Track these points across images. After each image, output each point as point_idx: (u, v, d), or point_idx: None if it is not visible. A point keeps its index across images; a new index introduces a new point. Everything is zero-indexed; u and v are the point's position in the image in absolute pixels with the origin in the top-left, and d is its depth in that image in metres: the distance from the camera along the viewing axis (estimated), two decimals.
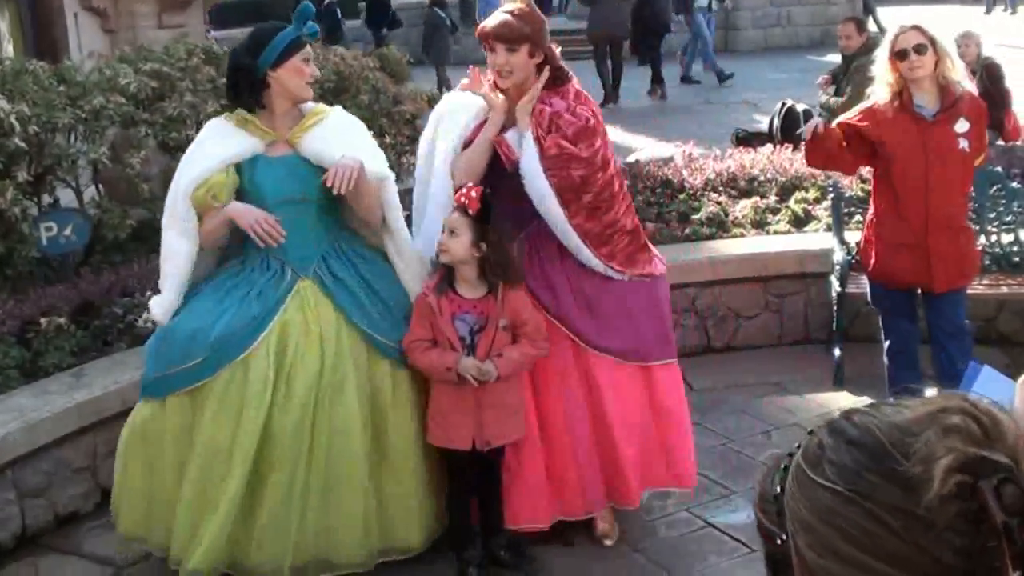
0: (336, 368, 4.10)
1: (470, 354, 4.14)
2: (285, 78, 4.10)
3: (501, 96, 4.32)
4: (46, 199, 6.49)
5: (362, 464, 4.13)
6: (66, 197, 6.69)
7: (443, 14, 17.72)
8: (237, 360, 4.04)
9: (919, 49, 4.97)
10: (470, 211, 4.07)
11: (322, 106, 4.39)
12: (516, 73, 4.26)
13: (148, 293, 5.64)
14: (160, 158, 7.12)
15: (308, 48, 4.17)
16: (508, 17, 4.23)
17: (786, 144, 8.30)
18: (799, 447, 1.16)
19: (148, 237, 6.73)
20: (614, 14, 15.99)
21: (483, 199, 4.07)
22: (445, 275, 4.18)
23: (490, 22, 4.28)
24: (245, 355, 4.04)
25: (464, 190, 4.11)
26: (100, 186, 6.83)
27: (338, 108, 4.37)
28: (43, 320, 5.28)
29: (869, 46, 8.12)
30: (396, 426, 4.24)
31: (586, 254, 4.36)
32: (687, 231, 6.81)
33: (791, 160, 7.67)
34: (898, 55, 5.01)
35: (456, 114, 4.44)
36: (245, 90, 4.15)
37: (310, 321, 4.13)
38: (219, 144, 4.17)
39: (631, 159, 8.54)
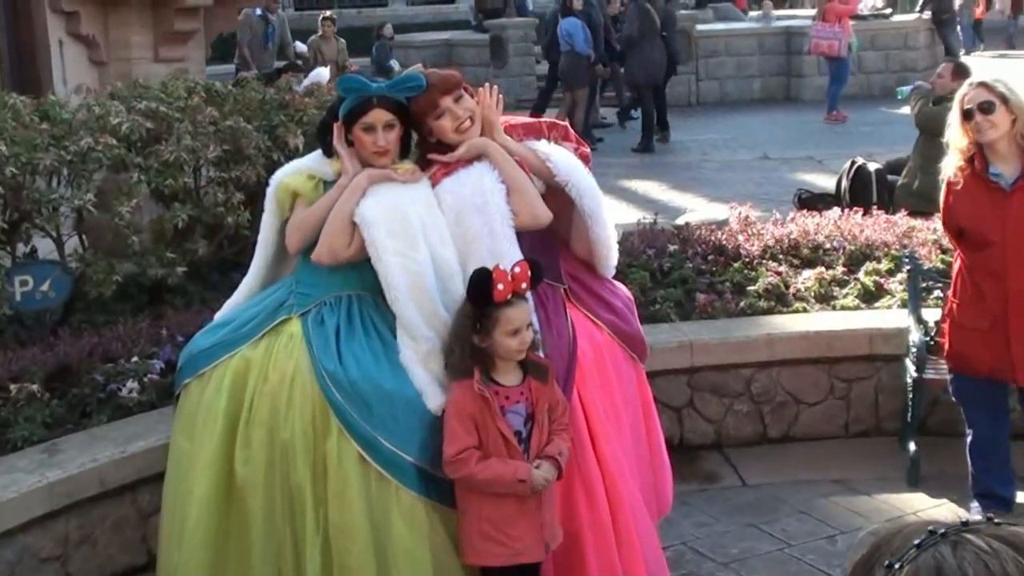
0: (285, 427, 4.31)
1: (525, 450, 4.14)
2: (356, 142, 4.49)
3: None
4: (22, 249, 6.52)
5: (312, 537, 4.27)
6: (45, 247, 6.72)
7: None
8: (198, 376, 4.52)
9: (985, 108, 4.98)
10: (524, 295, 4.13)
11: (408, 165, 4.58)
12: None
13: (134, 359, 5.65)
14: (153, 207, 7.14)
15: (373, 113, 4.43)
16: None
17: (856, 208, 8.30)
18: (899, 564, 1.15)
19: (135, 295, 6.75)
20: (651, 58, 16.81)
21: (532, 271, 4.13)
22: (483, 367, 4.14)
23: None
24: (202, 373, 4.50)
25: (498, 279, 4.05)
26: (84, 236, 6.86)
27: (424, 181, 4.51)
28: (13, 386, 5.29)
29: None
30: (338, 512, 4.24)
31: (615, 249, 4.76)
32: (742, 304, 6.78)
33: (861, 226, 7.65)
34: (965, 115, 5.03)
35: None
36: (323, 140, 4.65)
37: (269, 369, 4.40)
38: (316, 159, 4.72)
39: (680, 221, 8.52)
